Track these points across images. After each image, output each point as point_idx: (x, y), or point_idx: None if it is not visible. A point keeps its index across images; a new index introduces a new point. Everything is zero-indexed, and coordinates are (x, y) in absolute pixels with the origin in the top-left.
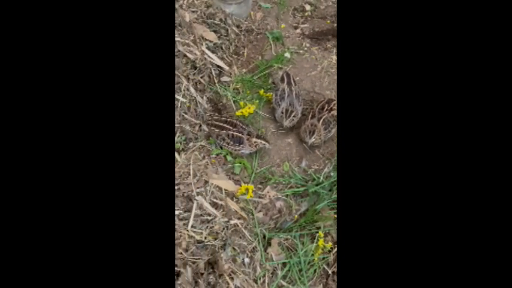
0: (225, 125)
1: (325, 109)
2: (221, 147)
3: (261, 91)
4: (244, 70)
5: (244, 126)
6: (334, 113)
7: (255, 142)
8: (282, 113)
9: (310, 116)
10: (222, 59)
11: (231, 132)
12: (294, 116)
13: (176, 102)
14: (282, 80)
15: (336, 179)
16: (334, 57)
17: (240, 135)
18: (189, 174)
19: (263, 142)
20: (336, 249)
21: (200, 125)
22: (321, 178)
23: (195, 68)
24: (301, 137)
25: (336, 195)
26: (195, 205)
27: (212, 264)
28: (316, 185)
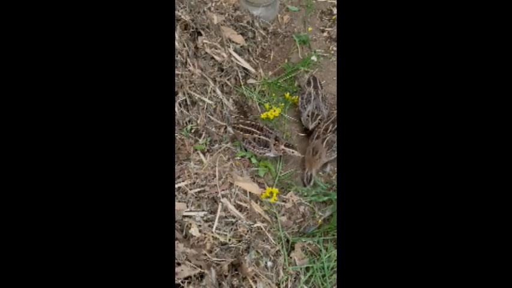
0: (251, 128)
1: (329, 130)
2: (246, 150)
3: (287, 94)
4: (270, 73)
5: (270, 131)
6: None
7: (282, 150)
8: (308, 116)
9: (315, 136)
10: (248, 61)
11: (257, 136)
12: (320, 119)
13: (202, 104)
14: (309, 83)
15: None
16: None
17: (267, 139)
18: (215, 176)
19: (291, 151)
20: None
21: (225, 127)
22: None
23: (222, 70)
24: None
25: None
26: (220, 207)
27: (236, 267)
28: None
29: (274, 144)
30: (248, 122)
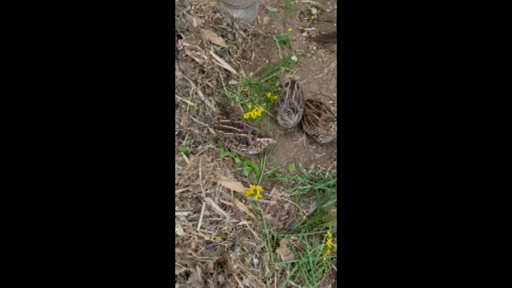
0: (231, 127)
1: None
2: (229, 150)
3: (269, 94)
4: (251, 73)
5: (249, 126)
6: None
7: (259, 142)
8: (284, 113)
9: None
10: (229, 63)
11: (237, 134)
12: (294, 114)
13: (185, 106)
14: (287, 84)
15: None
16: None
17: (245, 135)
18: (198, 176)
19: (266, 139)
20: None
21: (208, 128)
22: (326, 174)
23: (203, 72)
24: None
25: None
26: (203, 206)
27: (221, 265)
28: (322, 183)
29: (252, 139)
30: (228, 121)
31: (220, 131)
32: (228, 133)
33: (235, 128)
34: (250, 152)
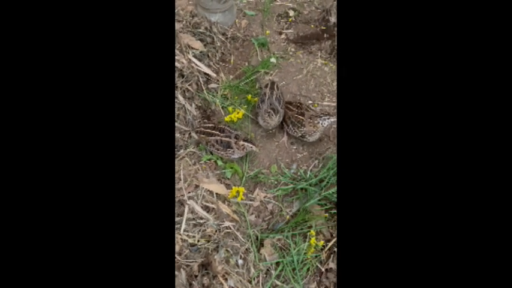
0: (213, 131)
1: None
2: (211, 153)
3: (249, 96)
4: (231, 76)
5: (231, 130)
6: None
7: (242, 145)
8: (265, 114)
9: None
10: (209, 66)
11: (219, 138)
12: (275, 114)
13: None
14: (266, 86)
15: (324, 175)
16: (319, 61)
17: (228, 139)
18: (180, 180)
19: (250, 145)
20: (327, 247)
21: (189, 132)
22: (308, 174)
23: (183, 76)
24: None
25: (325, 193)
26: (186, 209)
27: (206, 266)
28: (304, 182)
29: (235, 143)
30: (210, 125)
31: (202, 135)
32: (210, 137)
33: (217, 132)
34: (233, 156)
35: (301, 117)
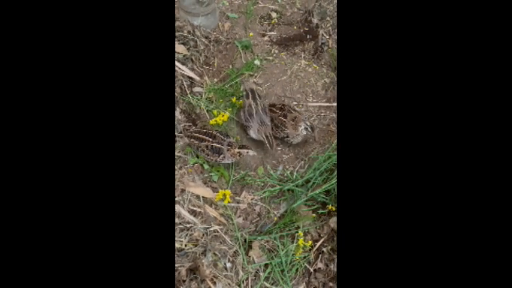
0: (204, 136)
1: (285, 112)
2: (197, 156)
3: (234, 99)
4: (215, 80)
5: (224, 138)
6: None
7: (238, 152)
8: (257, 132)
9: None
10: (192, 70)
11: (210, 144)
12: (267, 127)
13: None
14: (247, 95)
15: (310, 176)
16: (303, 62)
17: (220, 146)
18: None
19: (246, 151)
20: (316, 247)
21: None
22: (295, 175)
23: None
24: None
25: (311, 193)
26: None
27: (194, 271)
28: (291, 183)
29: (228, 150)
30: (202, 130)
31: (192, 140)
32: (201, 142)
33: (208, 138)
34: (223, 162)
35: (283, 118)
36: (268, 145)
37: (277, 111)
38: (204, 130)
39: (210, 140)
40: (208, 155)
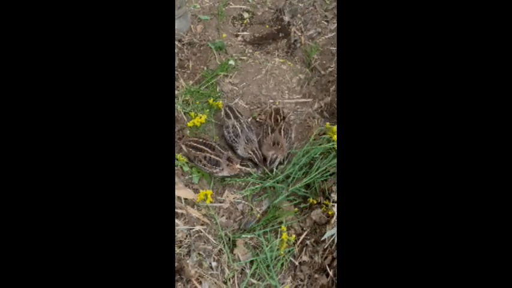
0: (203, 147)
1: (279, 120)
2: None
3: (210, 100)
4: (191, 82)
5: (222, 151)
6: (286, 119)
7: (238, 169)
8: (245, 150)
9: (269, 130)
10: None
11: (208, 155)
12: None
13: None
14: (227, 115)
15: (290, 171)
16: (277, 60)
17: (218, 159)
18: None
19: (247, 169)
20: (299, 241)
21: None
22: (275, 171)
23: None
24: (266, 155)
25: (292, 188)
26: None
27: (179, 272)
28: (271, 179)
29: (228, 165)
30: (200, 140)
31: (190, 149)
32: (198, 152)
33: (206, 149)
34: (221, 174)
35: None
36: (256, 160)
37: (268, 119)
38: (202, 140)
39: (209, 151)
40: (205, 166)
